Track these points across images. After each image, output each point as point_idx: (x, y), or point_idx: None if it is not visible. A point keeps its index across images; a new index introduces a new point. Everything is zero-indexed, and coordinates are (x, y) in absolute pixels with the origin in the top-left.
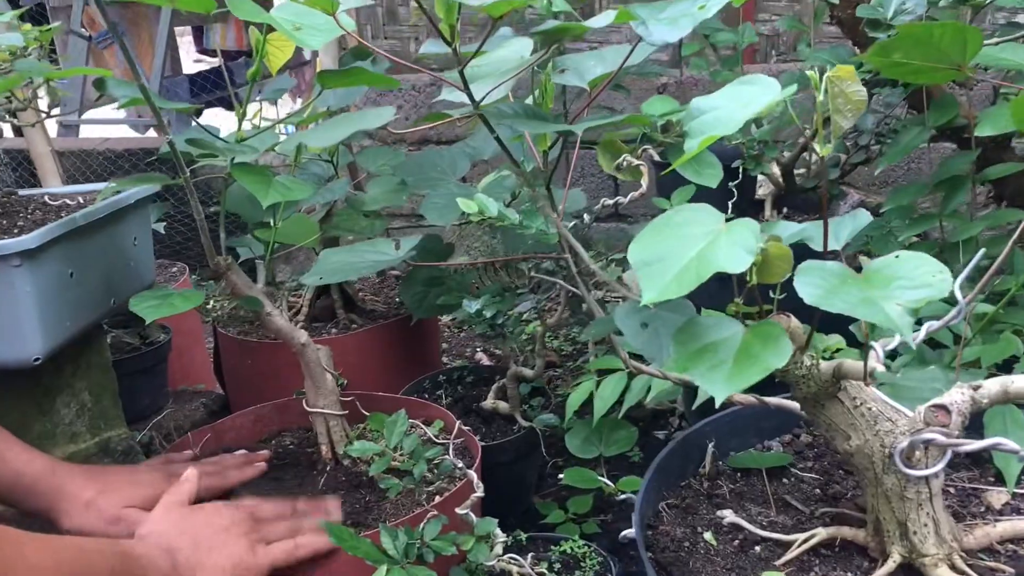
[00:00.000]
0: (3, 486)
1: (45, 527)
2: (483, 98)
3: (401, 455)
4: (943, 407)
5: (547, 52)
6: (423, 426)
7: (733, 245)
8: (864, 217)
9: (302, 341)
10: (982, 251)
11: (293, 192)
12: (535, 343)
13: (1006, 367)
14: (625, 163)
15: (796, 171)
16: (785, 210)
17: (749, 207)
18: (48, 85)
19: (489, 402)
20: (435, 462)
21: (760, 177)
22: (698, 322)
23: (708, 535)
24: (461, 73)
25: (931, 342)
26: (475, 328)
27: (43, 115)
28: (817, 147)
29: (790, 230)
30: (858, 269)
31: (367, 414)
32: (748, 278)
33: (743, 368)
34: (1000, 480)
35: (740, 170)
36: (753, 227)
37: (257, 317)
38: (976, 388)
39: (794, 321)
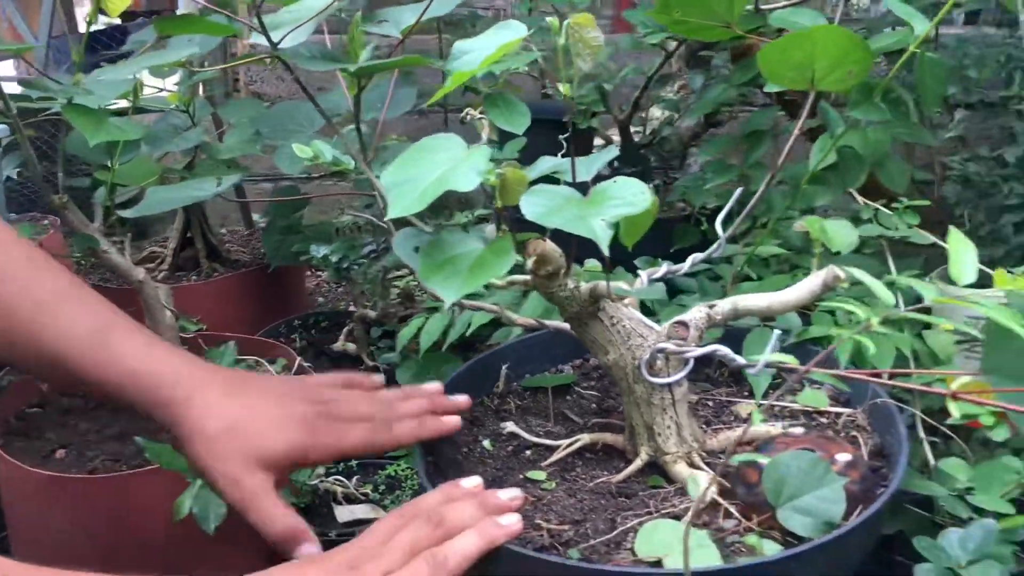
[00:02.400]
0: (115, 387)
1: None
2: (280, 40)
3: None
4: (683, 323)
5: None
6: (267, 364)
7: (468, 168)
8: (611, 151)
9: (139, 278)
10: (739, 190)
11: (125, 133)
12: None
13: None
14: (468, 117)
15: (633, 129)
16: (616, 164)
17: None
18: None
19: (339, 344)
20: None
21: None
22: (444, 239)
23: (486, 442)
24: (258, 15)
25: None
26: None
27: None
28: (561, 87)
29: (547, 164)
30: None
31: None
32: (495, 202)
33: (475, 275)
34: (752, 394)
35: (570, 124)
36: (486, 153)
37: (94, 255)
38: (712, 307)
39: (549, 244)
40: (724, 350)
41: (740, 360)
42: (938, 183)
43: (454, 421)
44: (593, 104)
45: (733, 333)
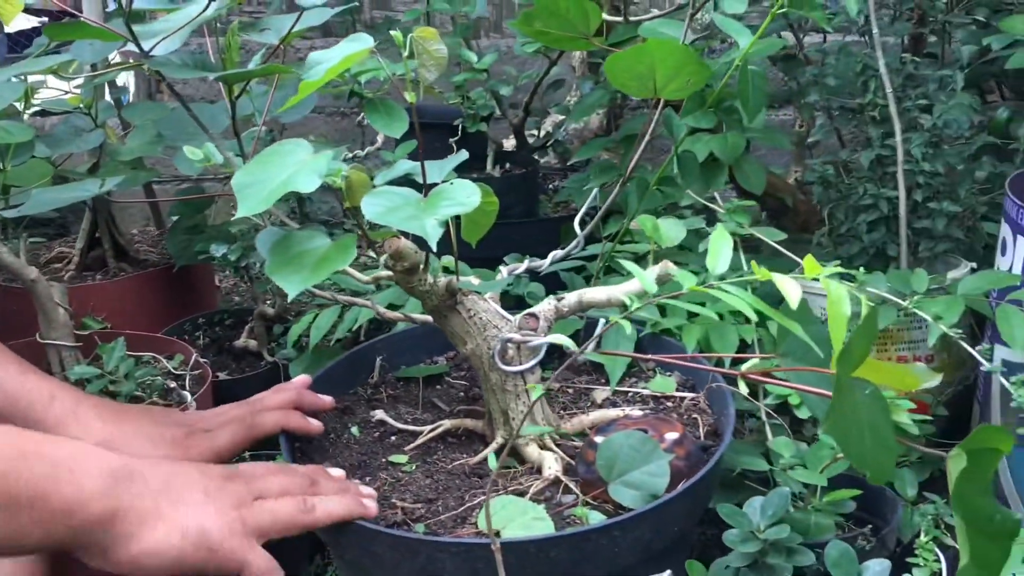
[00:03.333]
0: None
1: None
2: (152, 48)
3: (127, 379)
4: (533, 315)
5: (216, 7)
6: (164, 360)
7: (311, 171)
8: (460, 156)
9: (32, 277)
10: (596, 190)
11: (12, 136)
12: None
13: None
14: (366, 121)
15: (528, 132)
16: (508, 165)
17: (476, 162)
18: None
19: (241, 341)
20: (145, 382)
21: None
22: (294, 236)
23: (354, 429)
24: (127, 23)
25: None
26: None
27: None
28: (408, 96)
29: (403, 167)
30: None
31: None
32: (344, 202)
33: (318, 269)
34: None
35: (460, 128)
36: (328, 157)
37: None
38: (560, 299)
39: (404, 242)
40: (562, 339)
41: (573, 347)
42: None
43: (317, 425)
44: (481, 109)
45: (594, 325)
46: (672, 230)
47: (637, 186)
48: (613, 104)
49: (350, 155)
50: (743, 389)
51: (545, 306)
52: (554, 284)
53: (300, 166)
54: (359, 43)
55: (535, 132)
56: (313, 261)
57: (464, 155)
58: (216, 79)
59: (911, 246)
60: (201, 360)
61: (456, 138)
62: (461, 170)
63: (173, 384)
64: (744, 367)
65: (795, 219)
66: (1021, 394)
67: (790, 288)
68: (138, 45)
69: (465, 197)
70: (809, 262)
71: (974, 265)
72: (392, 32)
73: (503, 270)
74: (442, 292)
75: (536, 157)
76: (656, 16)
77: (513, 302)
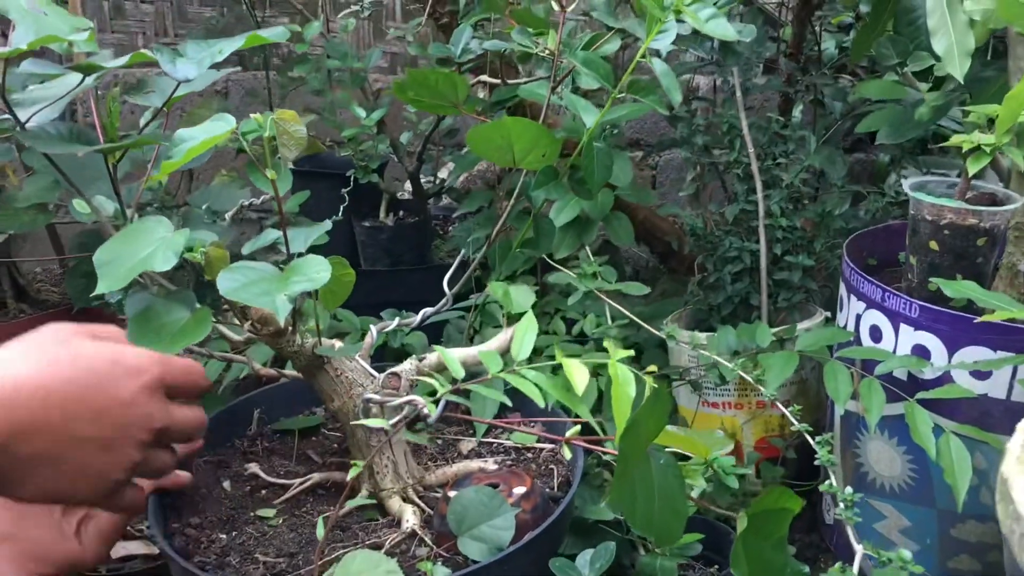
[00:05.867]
0: None
1: None
2: (28, 119)
3: None
4: (396, 374)
5: (94, 78)
6: None
7: (168, 249)
8: (323, 226)
9: None
10: (463, 252)
11: None
12: None
13: None
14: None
15: (427, 178)
16: (401, 213)
17: (370, 210)
18: None
19: None
20: None
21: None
22: (156, 307)
23: (227, 483)
24: (3, 95)
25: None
26: None
27: None
28: (269, 173)
29: (268, 236)
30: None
31: None
32: (205, 276)
33: (175, 342)
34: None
35: (352, 178)
36: (186, 235)
37: None
38: (421, 359)
39: (266, 309)
40: (418, 401)
41: (425, 409)
42: None
43: (185, 477)
44: (372, 161)
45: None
46: (521, 296)
47: (499, 249)
48: None
49: (247, 202)
50: (567, 453)
51: (407, 366)
52: (437, 333)
53: (159, 244)
54: (223, 124)
55: (433, 179)
56: (171, 333)
57: (327, 226)
58: (90, 152)
59: (771, 296)
60: None
61: (348, 188)
62: (350, 220)
63: None
64: (568, 433)
65: (682, 261)
66: (823, 453)
67: (578, 375)
68: (14, 116)
69: (315, 273)
70: (609, 345)
71: (828, 314)
72: (253, 116)
73: (372, 329)
74: (309, 353)
75: (431, 204)
76: (532, 80)
77: (393, 355)
